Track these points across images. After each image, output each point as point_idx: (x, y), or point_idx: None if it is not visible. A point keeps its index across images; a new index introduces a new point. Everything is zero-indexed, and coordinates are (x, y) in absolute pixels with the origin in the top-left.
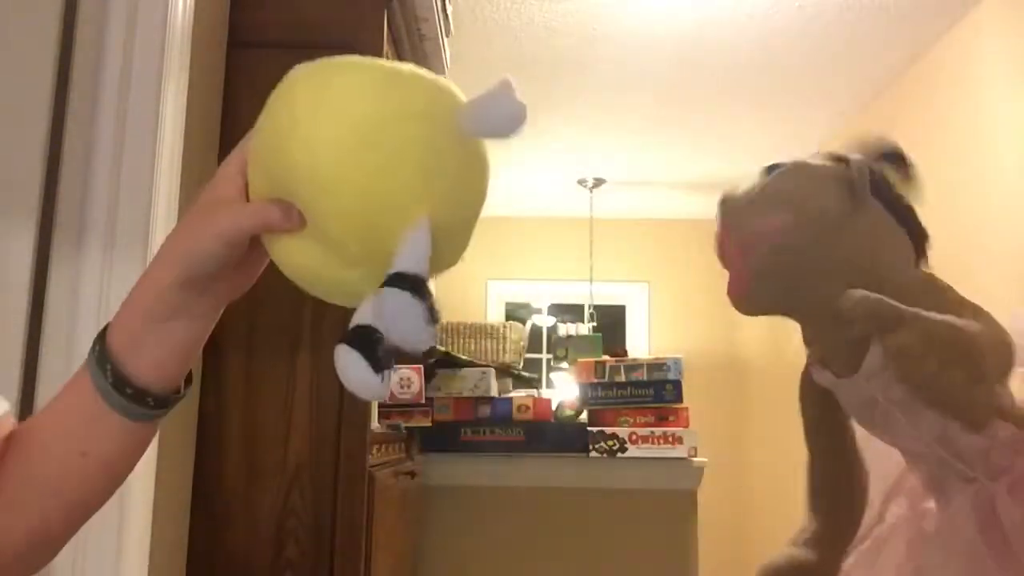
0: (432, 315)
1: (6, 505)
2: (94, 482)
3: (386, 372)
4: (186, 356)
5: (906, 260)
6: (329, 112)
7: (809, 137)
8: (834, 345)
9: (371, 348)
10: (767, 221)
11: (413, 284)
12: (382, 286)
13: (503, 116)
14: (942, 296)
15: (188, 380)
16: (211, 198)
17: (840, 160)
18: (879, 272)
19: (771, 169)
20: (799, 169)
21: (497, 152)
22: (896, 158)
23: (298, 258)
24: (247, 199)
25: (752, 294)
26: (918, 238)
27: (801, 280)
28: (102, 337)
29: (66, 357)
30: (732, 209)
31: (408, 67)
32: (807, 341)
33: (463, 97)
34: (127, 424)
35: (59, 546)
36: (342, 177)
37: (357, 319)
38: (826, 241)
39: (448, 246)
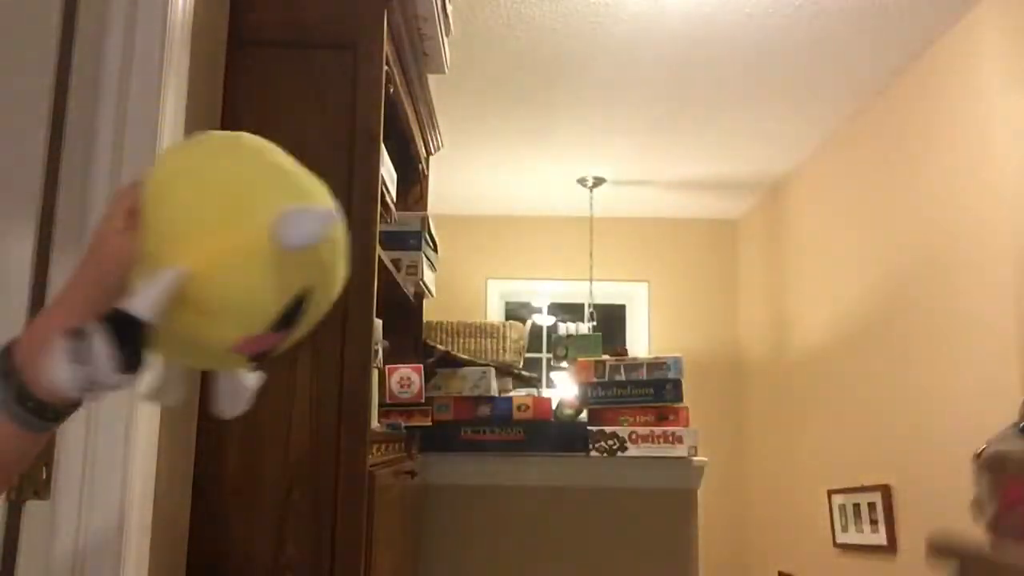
0: (127, 362)
1: None
2: None
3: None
4: None
5: None
6: (180, 159)
7: (809, 137)
8: None
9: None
10: None
11: (121, 327)
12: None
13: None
14: None
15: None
16: (110, 230)
17: None
18: None
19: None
20: None
21: (497, 153)
22: None
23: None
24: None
25: None
26: None
27: None
28: (5, 354)
29: None
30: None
31: (287, 165)
32: None
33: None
34: (22, 434)
35: None
36: (153, 203)
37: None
38: None
39: (194, 326)
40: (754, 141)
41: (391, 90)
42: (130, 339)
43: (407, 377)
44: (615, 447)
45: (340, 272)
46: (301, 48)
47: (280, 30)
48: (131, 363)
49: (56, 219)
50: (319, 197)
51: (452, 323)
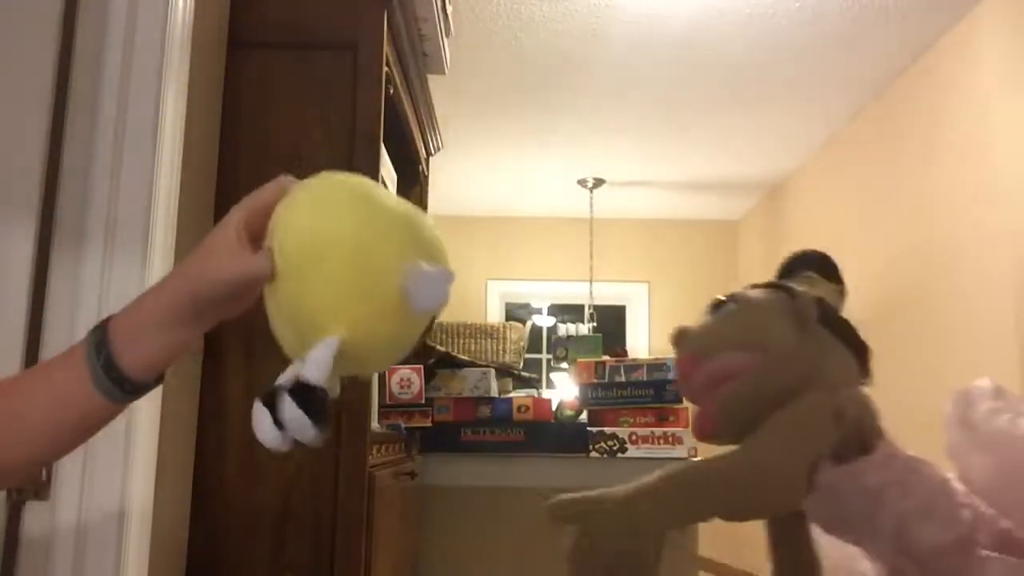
0: (321, 423)
1: None
2: (57, 441)
3: (285, 432)
4: (172, 358)
5: (847, 377)
6: (314, 225)
7: (809, 137)
8: None
9: (275, 407)
10: (732, 359)
11: (306, 397)
12: (287, 388)
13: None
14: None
15: (159, 379)
16: (221, 240)
17: (780, 288)
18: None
19: (716, 307)
20: (750, 307)
21: (497, 154)
22: (823, 264)
23: (274, 316)
24: (250, 246)
25: (721, 429)
26: (861, 354)
27: (761, 411)
28: (103, 327)
29: None
30: (695, 345)
31: (405, 217)
32: None
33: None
34: (101, 401)
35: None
36: (297, 277)
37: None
38: (785, 372)
39: (354, 367)
40: (754, 141)
41: (391, 91)
42: (313, 400)
43: (407, 378)
44: (615, 448)
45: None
46: (301, 48)
47: (280, 31)
48: (319, 419)
49: (56, 219)
50: (438, 248)
51: (452, 324)
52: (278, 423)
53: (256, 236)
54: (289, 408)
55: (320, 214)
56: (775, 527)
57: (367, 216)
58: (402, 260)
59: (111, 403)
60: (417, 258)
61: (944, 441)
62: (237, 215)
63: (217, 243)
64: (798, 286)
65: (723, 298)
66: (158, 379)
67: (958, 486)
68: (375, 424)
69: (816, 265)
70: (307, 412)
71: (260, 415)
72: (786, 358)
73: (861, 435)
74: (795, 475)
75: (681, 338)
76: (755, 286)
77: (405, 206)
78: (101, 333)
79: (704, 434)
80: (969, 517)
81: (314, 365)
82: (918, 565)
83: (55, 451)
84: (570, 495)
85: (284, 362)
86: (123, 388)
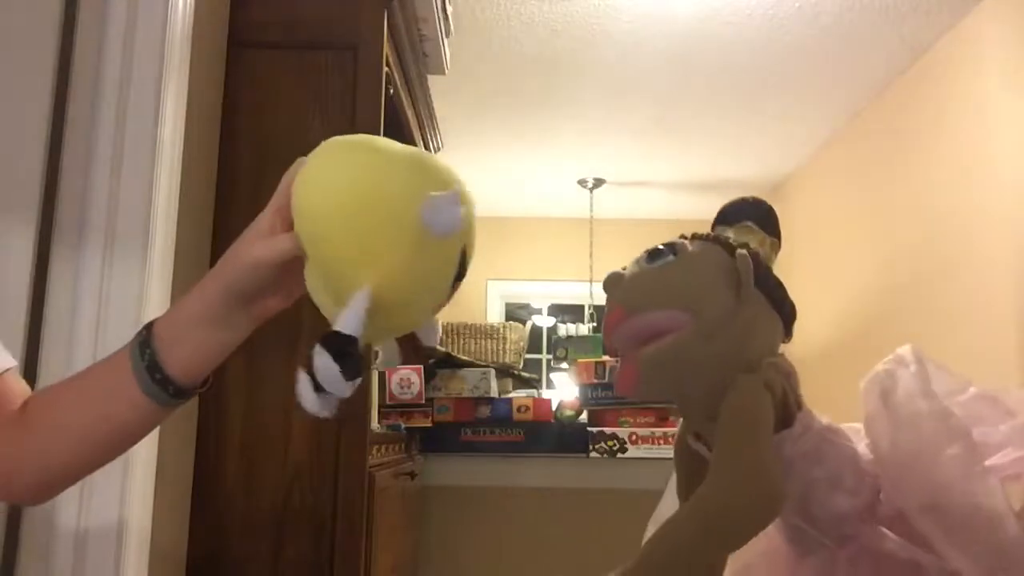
0: (350, 372)
1: (40, 451)
2: (105, 445)
3: (327, 395)
4: (212, 358)
5: (774, 342)
6: (324, 183)
7: (809, 137)
8: (705, 426)
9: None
10: (662, 318)
11: (338, 347)
12: (318, 343)
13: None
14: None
15: (205, 382)
16: (253, 229)
17: (720, 243)
18: (749, 358)
19: (653, 255)
20: (689, 263)
21: (497, 154)
22: (762, 214)
23: (313, 290)
24: (283, 231)
25: (642, 387)
26: (788, 318)
27: (685, 373)
28: (149, 326)
29: (66, 356)
30: (626, 297)
31: (411, 157)
32: (683, 415)
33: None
34: (146, 403)
35: (52, 495)
36: (319, 238)
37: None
38: (715, 338)
39: (395, 317)
40: (754, 141)
41: (391, 91)
42: (348, 353)
43: (407, 378)
44: (615, 448)
45: (473, 217)
46: (301, 49)
47: (280, 31)
48: (353, 373)
49: (56, 219)
50: (447, 177)
51: (452, 324)
52: (318, 387)
53: (290, 223)
54: (321, 358)
55: (329, 173)
56: (688, 471)
57: (374, 163)
58: (415, 196)
59: (157, 406)
60: (429, 190)
61: (863, 413)
62: (270, 206)
63: (249, 233)
64: (735, 236)
65: (661, 247)
66: (204, 383)
67: (867, 456)
68: (375, 424)
69: (755, 215)
70: (338, 362)
71: (302, 382)
72: (718, 324)
73: (785, 407)
74: (773, 473)
75: (613, 286)
76: (695, 236)
77: (409, 148)
78: (146, 333)
79: (624, 392)
80: (873, 487)
81: (347, 315)
82: (818, 529)
83: (96, 456)
84: None
85: (285, 361)
86: (167, 390)
